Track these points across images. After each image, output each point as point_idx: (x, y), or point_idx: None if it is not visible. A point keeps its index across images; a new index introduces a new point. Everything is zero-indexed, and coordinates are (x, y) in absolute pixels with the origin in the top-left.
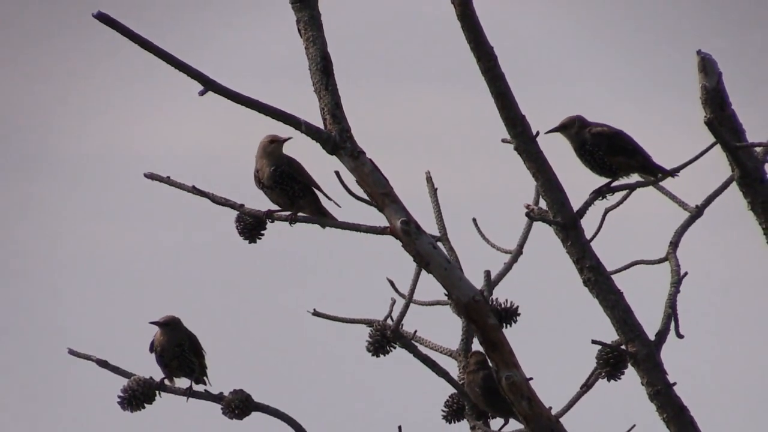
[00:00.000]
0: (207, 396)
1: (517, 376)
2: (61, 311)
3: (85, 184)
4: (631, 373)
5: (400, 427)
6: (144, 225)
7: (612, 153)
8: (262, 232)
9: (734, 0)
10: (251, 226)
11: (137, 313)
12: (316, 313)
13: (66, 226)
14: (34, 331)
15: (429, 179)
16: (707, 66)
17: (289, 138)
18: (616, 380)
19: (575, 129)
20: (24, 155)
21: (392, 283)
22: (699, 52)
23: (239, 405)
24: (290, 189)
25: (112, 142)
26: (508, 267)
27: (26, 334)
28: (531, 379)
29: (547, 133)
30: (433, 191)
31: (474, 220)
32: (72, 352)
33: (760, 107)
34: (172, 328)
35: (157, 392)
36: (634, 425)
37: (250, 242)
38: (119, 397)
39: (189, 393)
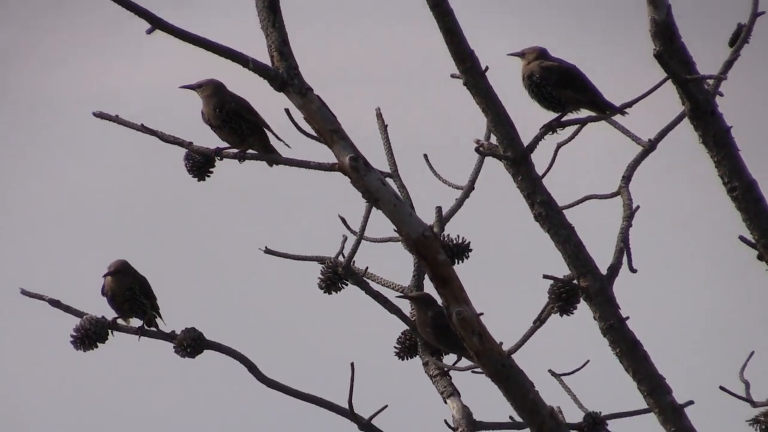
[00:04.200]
0: (159, 335)
1: (467, 311)
2: (10, 251)
3: (32, 123)
4: (583, 308)
5: (352, 364)
6: (93, 164)
7: (560, 87)
8: (211, 169)
9: None
10: (200, 164)
11: (88, 252)
12: (267, 251)
13: (15, 165)
14: None
15: (379, 116)
16: None
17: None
18: (568, 315)
19: (532, 59)
20: None
21: (344, 220)
22: None
23: (191, 343)
24: (238, 127)
25: (59, 82)
26: (459, 203)
27: None
28: (482, 314)
29: (509, 55)
30: (383, 128)
31: (425, 156)
32: (24, 292)
33: (710, 40)
34: (122, 274)
35: (109, 331)
36: (588, 361)
37: (199, 180)
38: (72, 336)
39: (141, 332)
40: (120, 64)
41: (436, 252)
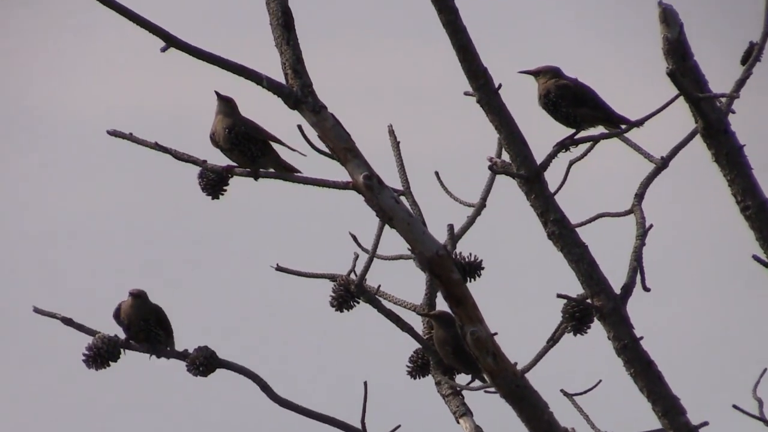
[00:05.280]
0: (171, 353)
1: (482, 331)
2: (24, 268)
3: (45, 141)
4: (597, 328)
5: (365, 383)
6: (107, 182)
7: (576, 105)
8: (225, 188)
9: None
10: (214, 182)
11: (101, 271)
12: (279, 268)
13: (28, 182)
14: None
15: (391, 132)
16: (669, 17)
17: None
18: (582, 334)
19: (547, 77)
20: None
21: (355, 238)
22: (660, 3)
23: (204, 362)
24: (248, 150)
25: (73, 100)
26: (471, 220)
27: None
28: (496, 333)
29: (520, 72)
30: (396, 144)
31: (436, 173)
32: (37, 310)
33: (722, 58)
34: (142, 300)
35: (122, 350)
36: (600, 381)
37: (213, 198)
38: (84, 355)
39: (152, 351)
40: (134, 82)
41: (450, 271)
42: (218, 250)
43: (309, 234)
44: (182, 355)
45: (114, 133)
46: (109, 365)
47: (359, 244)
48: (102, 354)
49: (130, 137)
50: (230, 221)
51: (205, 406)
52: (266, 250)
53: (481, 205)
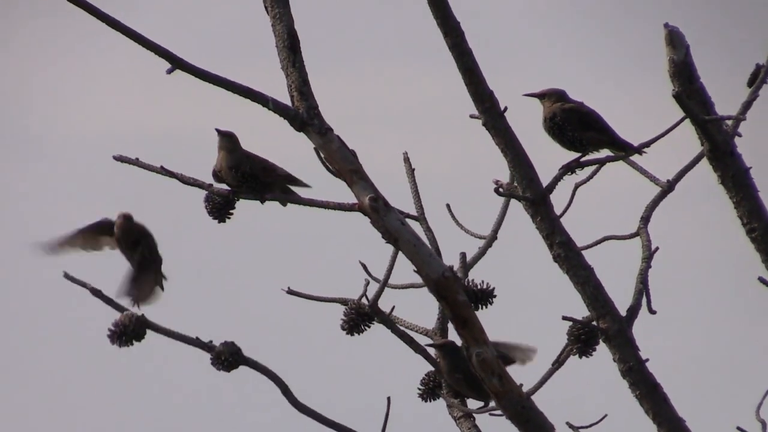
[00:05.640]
0: (197, 343)
1: (487, 352)
2: (28, 303)
3: (48, 165)
4: (603, 350)
5: (389, 398)
6: (112, 205)
7: (582, 128)
8: (231, 211)
9: None
10: (220, 206)
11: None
12: (290, 292)
13: (34, 207)
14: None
15: (406, 160)
16: (674, 39)
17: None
18: (587, 357)
19: (553, 100)
20: None
21: (365, 267)
22: (666, 25)
23: (229, 357)
24: (256, 186)
25: (77, 123)
26: (482, 251)
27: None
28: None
29: (525, 95)
30: (411, 172)
31: (448, 205)
32: (67, 276)
33: (728, 80)
34: (131, 222)
35: (146, 330)
36: (606, 415)
37: (219, 222)
38: (109, 330)
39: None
40: (139, 104)
41: (456, 293)
42: (226, 274)
43: (317, 257)
44: (208, 347)
45: (120, 159)
46: (132, 344)
47: (368, 273)
48: (127, 332)
49: (137, 162)
50: (238, 245)
51: (221, 401)
52: (274, 272)
53: (492, 237)
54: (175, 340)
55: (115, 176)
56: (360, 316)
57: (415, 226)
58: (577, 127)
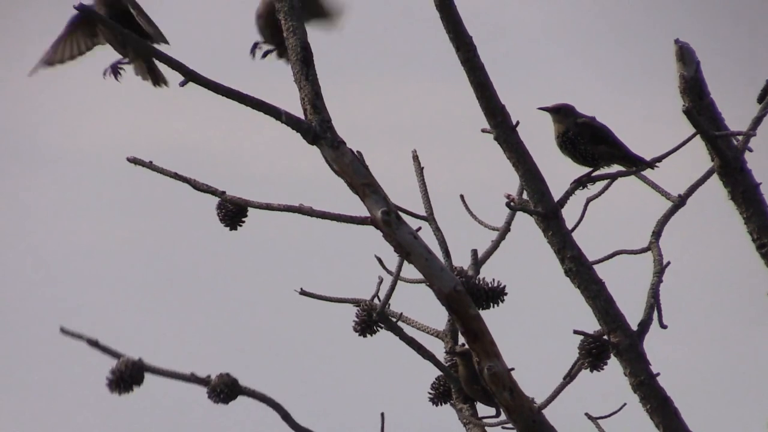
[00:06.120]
0: (192, 379)
1: (498, 366)
2: (45, 302)
3: (63, 174)
4: (614, 364)
5: (382, 414)
6: (125, 213)
7: (595, 142)
8: (243, 219)
9: None
10: (232, 213)
11: (122, 300)
12: (303, 292)
13: (50, 214)
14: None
15: (415, 158)
16: (685, 55)
17: None
18: (599, 371)
19: (563, 116)
20: (8, 150)
21: (380, 260)
22: (677, 41)
23: (225, 389)
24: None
25: (91, 133)
26: (495, 245)
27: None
28: (513, 369)
29: (539, 109)
30: (420, 170)
31: (462, 196)
32: (64, 331)
33: (739, 96)
34: None
35: (145, 374)
36: (625, 404)
37: (231, 229)
38: (107, 378)
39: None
40: (152, 116)
41: (467, 306)
42: (238, 279)
43: (328, 265)
44: (204, 382)
45: (134, 161)
46: (132, 390)
47: (384, 266)
48: (125, 378)
49: (150, 165)
50: (250, 251)
51: None
52: (286, 277)
53: (506, 229)
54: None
55: (128, 183)
56: (372, 318)
57: (424, 226)
58: (590, 141)
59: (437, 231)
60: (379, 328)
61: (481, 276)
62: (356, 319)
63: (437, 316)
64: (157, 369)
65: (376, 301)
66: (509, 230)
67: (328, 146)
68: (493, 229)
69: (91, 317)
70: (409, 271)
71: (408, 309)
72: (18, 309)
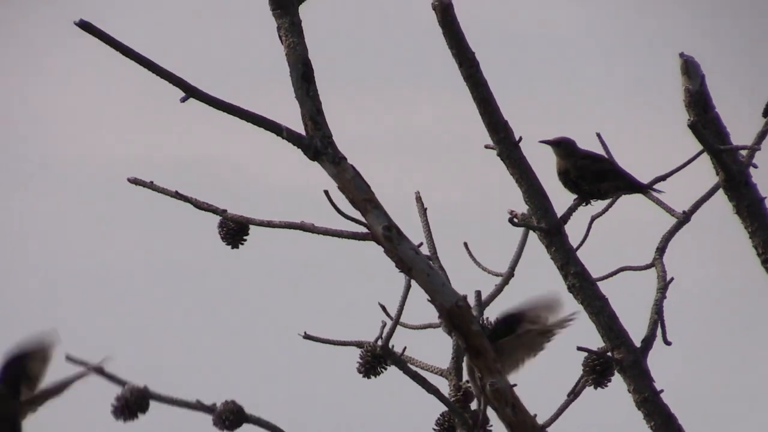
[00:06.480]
0: (198, 407)
1: (501, 382)
2: (46, 318)
3: (63, 190)
4: (618, 381)
5: None
6: (126, 231)
7: (598, 180)
8: (245, 237)
9: (717, 3)
10: (234, 232)
11: (123, 320)
12: (306, 336)
13: (49, 230)
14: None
15: (418, 199)
16: (690, 68)
17: None
18: (603, 388)
19: (563, 154)
20: (6, 163)
21: (384, 308)
22: (682, 55)
23: (230, 416)
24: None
25: (91, 149)
26: (499, 289)
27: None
28: (515, 385)
29: (540, 142)
30: (423, 211)
31: (465, 244)
32: (69, 358)
33: (744, 110)
34: None
35: (150, 401)
36: None
37: (232, 248)
38: (112, 406)
39: None
40: (153, 131)
41: (469, 322)
42: (239, 304)
43: (331, 284)
44: (209, 409)
45: (135, 181)
46: (137, 417)
47: (387, 313)
48: (130, 405)
49: (151, 185)
50: (252, 275)
51: None
52: (288, 305)
53: (510, 275)
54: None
55: (129, 201)
56: (376, 359)
57: None
58: (593, 180)
59: (441, 270)
60: (383, 369)
61: (485, 317)
62: (360, 360)
63: (441, 356)
64: (163, 396)
65: (379, 343)
66: (513, 275)
67: (329, 162)
68: (497, 275)
69: (93, 341)
70: (411, 315)
71: (411, 352)
72: (19, 332)
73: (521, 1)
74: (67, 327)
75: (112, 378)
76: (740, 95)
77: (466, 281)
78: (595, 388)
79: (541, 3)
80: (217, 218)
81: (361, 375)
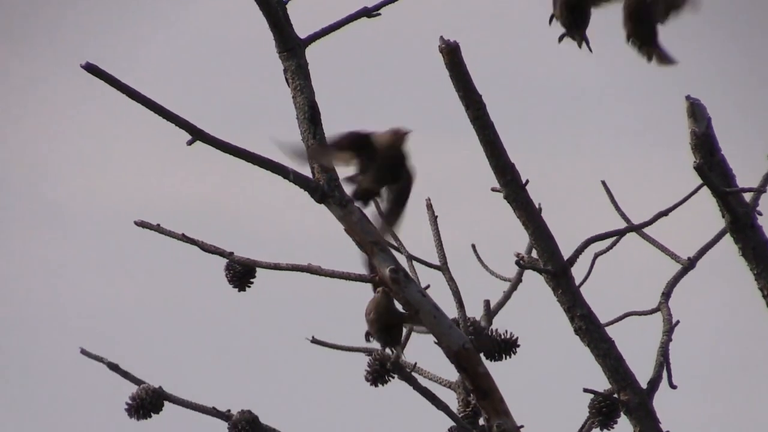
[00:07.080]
0: (214, 413)
1: (507, 423)
2: (50, 362)
3: (71, 233)
4: (624, 422)
5: None
6: (133, 274)
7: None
8: (252, 280)
9: (725, 46)
10: (240, 274)
11: (132, 362)
12: (314, 341)
13: (54, 274)
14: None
15: (429, 206)
16: (696, 111)
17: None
18: (609, 429)
19: None
20: (11, 205)
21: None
22: (688, 98)
23: (246, 426)
24: None
25: (98, 192)
26: (507, 296)
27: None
28: (522, 427)
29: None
30: (434, 219)
31: (473, 246)
32: (84, 352)
33: (750, 153)
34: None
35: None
36: None
37: (239, 290)
38: (127, 404)
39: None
40: (159, 174)
41: (476, 364)
42: (245, 341)
43: (339, 322)
44: (224, 416)
45: (141, 224)
46: (150, 416)
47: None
48: (145, 405)
49: (158, 228)
50: (259, 308)
51: None
52: (296, 334)
53: (518, 280)
54: (192, 411)
55: (135, 244)
56: (384, 368)
57: (438, 276)
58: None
59: (451, 281)
60: (390, 378)
61: (493, 327)
62: (368, 368)
63: (449, 366)
64: (178, 398)
65: (388, 351)
66: (521, 281)
67: (336, 205)
68: (505, 279)
69: (99, 376)
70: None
71: (420, 360)
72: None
73: (527, 45)
74: (69, 371)
75: (127, 375)
76: (746, 137)
77: (474, 294)
78: (602, 429)
79: (548, 45)
80: (224, 261)
81: (369, 383)
